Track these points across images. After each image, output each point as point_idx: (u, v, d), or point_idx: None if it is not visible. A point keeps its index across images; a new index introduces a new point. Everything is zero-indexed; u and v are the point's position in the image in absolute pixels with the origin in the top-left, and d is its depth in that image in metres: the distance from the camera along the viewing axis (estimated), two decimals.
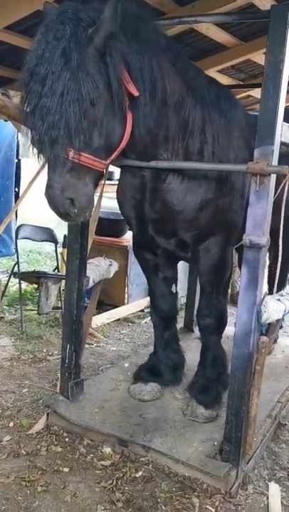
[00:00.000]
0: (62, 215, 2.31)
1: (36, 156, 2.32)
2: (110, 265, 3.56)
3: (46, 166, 2.31)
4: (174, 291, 3.50)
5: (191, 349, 3.98)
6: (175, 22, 2.81)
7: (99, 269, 3.43)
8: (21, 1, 2.90)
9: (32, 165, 6.25)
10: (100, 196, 3.66)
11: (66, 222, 2.78)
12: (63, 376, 3.26)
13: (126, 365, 3.96)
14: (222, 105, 2.95)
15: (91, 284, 3.29)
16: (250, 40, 4.57)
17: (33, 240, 5.45)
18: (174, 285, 3.49)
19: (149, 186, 2.88)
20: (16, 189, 6.53)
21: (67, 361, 3.22)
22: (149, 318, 4.65)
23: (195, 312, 4.87)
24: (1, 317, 5.17)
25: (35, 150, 2.29)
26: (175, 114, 2.68)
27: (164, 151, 2.73)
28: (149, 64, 2.42)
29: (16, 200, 6.65)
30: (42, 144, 2.18)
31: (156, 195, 2.89)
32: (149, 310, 4.00)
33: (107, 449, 2.95)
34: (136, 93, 2.37)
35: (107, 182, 5.68)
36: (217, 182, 2.88)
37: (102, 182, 4.10)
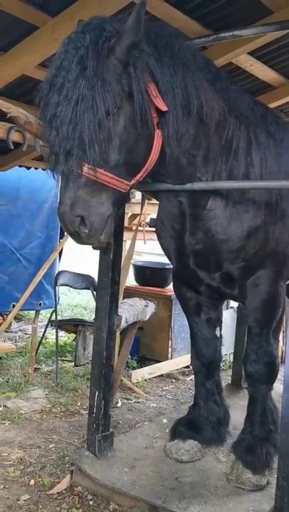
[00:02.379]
0: (73, 234, 2.09)
1: (51, 173, 2.14)
2: (146, 306, 3.28)
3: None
4: (218, 334, 3.12)
5: (239, 408, 3.52)
6: (211, 39, 2.68)
7: (133, 309, 3.15)
8: (56, 30, 2.89)
9: None
10: (135, 235, 3.46)
11: None
12: (90, 428, 2.90)
13: (164, 421, 3.54)
14: (269, 126, 2.74)
15: (123, 324, 3.01)
16: None
17: (72, 286, 5.27)
18: (218, 328, 3.12)
19: (188, 214, 2.63)
20: (61, 240, 6.47)
21: (95, 410, 2.88)
22: None
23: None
24: (37, 368, 4.91)
25: (51, 167, 2.11)
26: (216, 134, 2.48)
27: (204, 174, 2.50)
28: (181, 79, 2.26)
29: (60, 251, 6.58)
30: (56, 157, 2.01)
31: (196, 224, 2.62)
32: None
33: None
34: (164, 108, 2.18)
35: (150, 229, 5.55)
36: (266, 207, 2.60)
37: (141, 228, 4.01)
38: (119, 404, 4.20)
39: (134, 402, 4.38)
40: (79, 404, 4.16)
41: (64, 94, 1.96)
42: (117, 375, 3.05)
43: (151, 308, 3.30)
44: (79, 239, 2.09)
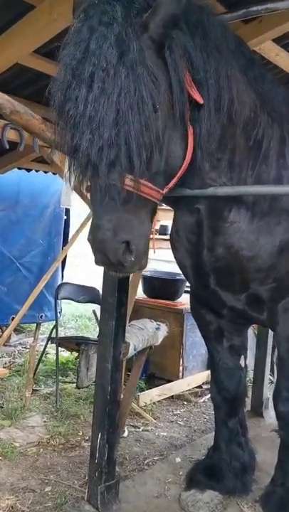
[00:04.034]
0: (113, 265, 1.66)
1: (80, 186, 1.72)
2: (157, 329, 2.84)
3: (91, 200, 1.71)
4: (243, 364, 2.68)
5: (262, 441, 3.09)
6: (240, 14, 2.24)
7: (142, 333, 2.71)
8: (54, 10, 2.47)
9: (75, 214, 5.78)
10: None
11: None
12: (92, 477, 2.46)
13: (177, 459, 3.09)
14: None
15: (132, 352, 2.57)
16: None
17: (74, 300, 4.83)
18: (242, 357, 2.68)
19: (206, 225, 2.20)
20: (64, 247, 6.05)
21: (97, 455, 2.45)
22: (209, 395, 3.84)
23: (265, 391, 4.05)
24: (36, 390, 4.48)
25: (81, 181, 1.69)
26: (243, 134, 2.08)
27: (228, 180, 2.08)
28: (215, 67, 1.86)
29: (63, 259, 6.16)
30: (94, 169, 1.58)
31: (216, 238, 2.20)
32: (208, 386, 3.19)
33: None
34: (200, 100, 1.81)
35: (160, 237, 5.12)
36: None
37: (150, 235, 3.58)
38: (125, 434, 3.75)
39: (142, 430, 3.93)
40: (80, 434, 3.72)
41: (99, 87, 1.52)
42: (124, 411, 2.62)
43: (163, 331, 2.86)
44: (121, 269, 1.68)
